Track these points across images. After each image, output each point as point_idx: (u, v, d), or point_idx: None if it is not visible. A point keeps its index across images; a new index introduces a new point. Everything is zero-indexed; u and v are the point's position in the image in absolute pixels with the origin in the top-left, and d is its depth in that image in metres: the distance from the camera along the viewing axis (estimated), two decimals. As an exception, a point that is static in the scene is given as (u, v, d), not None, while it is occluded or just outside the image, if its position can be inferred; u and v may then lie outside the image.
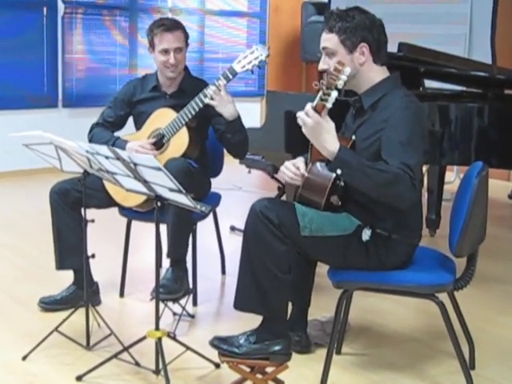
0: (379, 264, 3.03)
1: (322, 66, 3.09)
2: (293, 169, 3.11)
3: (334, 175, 2.95)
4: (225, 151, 4.24)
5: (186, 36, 4.00)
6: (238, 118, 3.79)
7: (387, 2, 7.31)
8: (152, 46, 3.97)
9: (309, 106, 2.84)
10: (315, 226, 3.00)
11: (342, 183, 2.98)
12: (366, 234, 3.02)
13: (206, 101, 3.71)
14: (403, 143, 2.84)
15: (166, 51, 3.91)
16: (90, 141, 3.99)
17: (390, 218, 3.00)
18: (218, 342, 3.08)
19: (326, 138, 2.83)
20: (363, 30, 3.01)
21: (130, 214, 4.02)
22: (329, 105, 2.79)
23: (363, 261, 3.04)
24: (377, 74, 3.08)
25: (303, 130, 2.87)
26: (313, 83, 2.99)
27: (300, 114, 2.85)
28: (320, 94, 2.80)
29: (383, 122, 2.94)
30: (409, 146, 2.84)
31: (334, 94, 2.78)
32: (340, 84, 2.78)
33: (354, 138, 3.05)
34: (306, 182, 3.05)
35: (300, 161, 3.15)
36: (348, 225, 3.04)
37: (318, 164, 3.01)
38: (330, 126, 2.84)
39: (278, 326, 3.05)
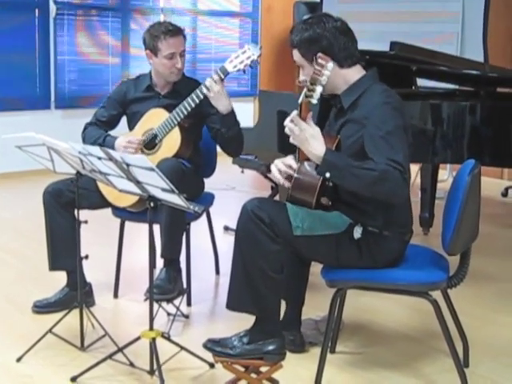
0: (371, 261, 3.04)
1: (300, 77, 3.14)
2: (283, 167, 3.10)
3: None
4: (218, 151, 4.24)
5: (186, 38, 4.03)
6: (232, 112, 3.80)
7: (379, 0, 7.32)
8: (154, 51, 3.94)
9: (294, 113, 2.85)
10: (307, 226, 3.00)
11: (331, 183, 2.98)
12: (358, 232, 3.03)
13: (204, 91, 3.71)
14: (386, 138, 2.84)
15: (172, 55, 3.91)
16: (83, 140, 4.00)
17: (380, 215, 3.01)
18: (212, 345, 3.09)
19: (312, 143, 2.83)
20: (316, 42, 3.01)
21: (123, 214, 4.02)
22: (314, 101, 2.80)
23: (356, 258, 3.04)
24: (351, 75, 3.08)
25: (290, 139, 2.89)
26: (296, 81, 3.01)
27: (287, 123, 2.87)
28: (305, 90, 2.82)
29: (364, 118, 2.95)
30: (392, 140, 2.84)
31: (319, 89, 2.79)
32: (324, 80, 2.78)
33: (339, 136, 3.06)
34: (295, 182, 3.04)
35: (290, 158, 3.14)
36: (340, 223, 3.05)
37: (305, 163, 3.01)
38: (314, 131, 2.85)
39: (271, 326, 3.06)
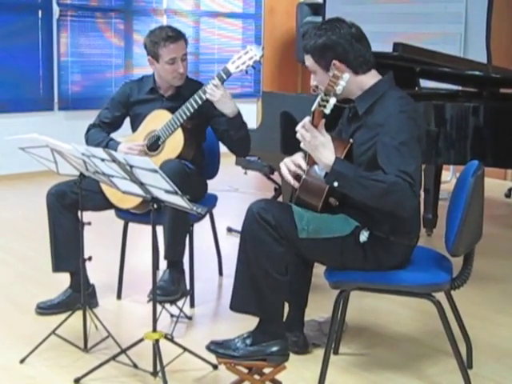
0: (377, 265, 3.03)
1: (312, 82, 3.14)
2: (292, 166, 3.11)
3: None
4: (221, 152, 4.24)
5: (187, 42, 4.01)
6: (239, 114, 3.80)
7: (382, 1, 7.32)
8: (155, 57, 3.93)
9: (307, 119, 2.85)
10: (312, 228, 3.00)
11: None
12: (364, 236, 3.02)
13: (207, 96, 3.71)
14: (399, 149, 2.81)
15: (174, 61, 3.90)
16: (86, 141, 4.00)
17: (388, 221, 2.99)
18: (215, 347, 3.09)
19: (322, 151, 2.84)
20: (331, 49, 2.98)
21: (126, 216, 4.02)
22: (327, 111, 2.78)
23: (360, 262, 3.03)
24: (365, 81, 3.05)
25: (301, 145, 2.89)
26: (311, 89, 2.98)
27: (299, 128, 2.87)
28: (318, 99, 2.79)
29: (379, 126, 2.92)
30: (405, 151, 2.81)
31: (333, 100, 2.76)
32: (339, 89, 2.76)
33: (351, 140, 3.04)
34: (303, 184, 3.04)
35: (299, 156, 3.15)
36: (345, 226, 3.03)
37: (315, 166, 3.01)
38: (326, 139, 2.85)
39: (274, 327, 3.06)
